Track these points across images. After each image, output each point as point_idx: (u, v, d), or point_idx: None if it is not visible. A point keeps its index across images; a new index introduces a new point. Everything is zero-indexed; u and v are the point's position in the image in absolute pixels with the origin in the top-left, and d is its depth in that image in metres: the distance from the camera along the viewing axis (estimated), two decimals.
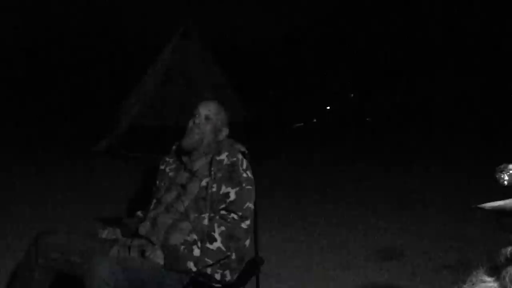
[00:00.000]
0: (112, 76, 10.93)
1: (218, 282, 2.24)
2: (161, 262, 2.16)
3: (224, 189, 2.27)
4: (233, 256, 2.27)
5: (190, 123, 2.40)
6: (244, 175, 2.32)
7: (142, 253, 2.21)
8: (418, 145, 7.61)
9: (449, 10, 11.64)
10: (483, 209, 0.90)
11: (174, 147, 2.57)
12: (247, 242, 2.33)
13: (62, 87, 10.93)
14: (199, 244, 2.19)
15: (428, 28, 11.79)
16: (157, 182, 2.53)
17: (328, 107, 10.35)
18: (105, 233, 2.41)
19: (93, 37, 12.56)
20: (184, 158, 2.43)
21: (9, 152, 6.46)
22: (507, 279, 0.89)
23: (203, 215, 2.27)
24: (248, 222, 2.28)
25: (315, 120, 9.59)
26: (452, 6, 11.67)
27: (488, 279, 0.93)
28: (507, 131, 7.49)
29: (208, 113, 2.40)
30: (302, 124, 9.28)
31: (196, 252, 2.17)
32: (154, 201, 2.43)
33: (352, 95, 10.75)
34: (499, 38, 11.05)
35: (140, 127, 6.87)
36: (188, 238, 2.22)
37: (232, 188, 2.27)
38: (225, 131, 2.46)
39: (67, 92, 10.77)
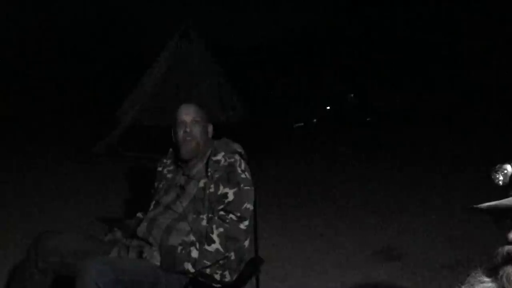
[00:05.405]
0: (112, 77, 10.92)
1: (217, 282, 2.25)
2: (158, 263, 2.17)
3: (222, 190, 2.27)
4: (233, 257, 2.27)
5: (180, 133, 2.37)
6: (242, 175, 2.32)
7: (140, 253, 2.21)
8: (418, 145, 7.60)
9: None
10: (479, 209, 0.90)
11: (171, 150, 2.57)
12: (246, 243, 2.33)
13: (61, 87, 10.92)
14: (197, 245, 2.19)
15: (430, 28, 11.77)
16: (156, 184, 2.53)
17: (328, 107, 10.30)
18: (106, 236, 2.43)
19: (93, 36, 12.57)
20: (182, 164, 2.44)
21: (7, 152, 6.45)
22: (504, 278, 0.89)
23: (201, 216, 2.27)
24: (246, 222, 2.28)
25: (315, 120, 9.55)
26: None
27: (486, 279, 0.93)
28: (506, 131, 7.48)
29: (193, 116, 2.39)
30: (302, 124, 9.25)
31: (194, 253, 2.16)
32: (153, 202, 2.44)
33: (352, 95, 10.68)
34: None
35: (140, 127, 6.86)
36: (186, 239, 2.22)
37: (230, 188, 2.27)
38: (211, 127, 2.48)
39: (66, 92, 10.76)
